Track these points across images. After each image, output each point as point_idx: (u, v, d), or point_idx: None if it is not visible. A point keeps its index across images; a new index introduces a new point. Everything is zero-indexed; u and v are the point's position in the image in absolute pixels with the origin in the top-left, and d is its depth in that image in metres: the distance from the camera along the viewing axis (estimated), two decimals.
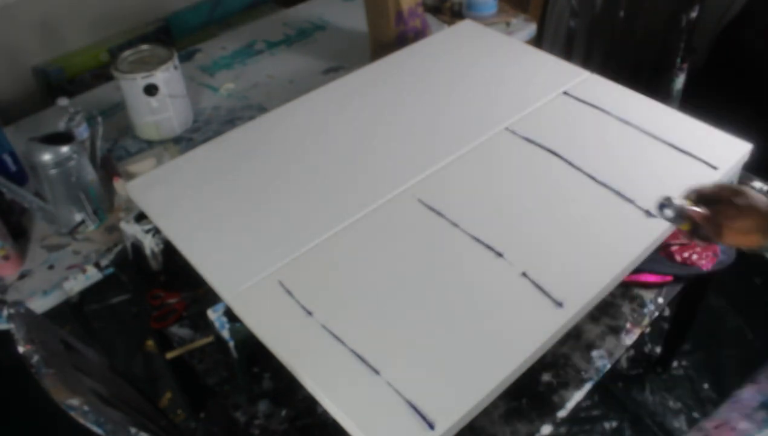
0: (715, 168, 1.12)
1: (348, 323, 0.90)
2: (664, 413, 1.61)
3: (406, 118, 1.27)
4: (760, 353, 1.73)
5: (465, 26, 1.55)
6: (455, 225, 1.04)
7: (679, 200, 0.86)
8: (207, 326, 1.04)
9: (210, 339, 1.06)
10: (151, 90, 1.39)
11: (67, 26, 1.95)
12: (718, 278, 1.34)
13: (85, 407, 0.70)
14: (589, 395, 1.54)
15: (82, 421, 0.69)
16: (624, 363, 1.72)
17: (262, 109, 1.52)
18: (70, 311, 1.29)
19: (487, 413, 0.95)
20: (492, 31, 1.54)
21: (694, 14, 1.89)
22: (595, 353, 1.04)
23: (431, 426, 0.78)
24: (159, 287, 1.16)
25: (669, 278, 1.14)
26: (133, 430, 0.73)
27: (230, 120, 1.52)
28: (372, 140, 1.22)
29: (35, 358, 0.73)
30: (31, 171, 1.21)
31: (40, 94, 1.93)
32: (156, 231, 1.12)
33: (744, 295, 1.87)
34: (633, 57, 2.11)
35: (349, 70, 1.45)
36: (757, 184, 1.32)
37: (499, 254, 0.99)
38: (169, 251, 1.13)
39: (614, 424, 1.59)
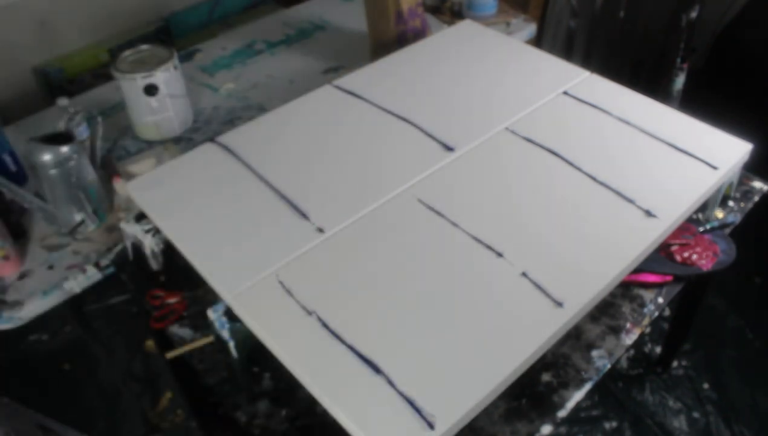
0: (715, 168, 1.12)
1: (348, 322, 0.90)
2: (664, 413, 1.61)
3: (406, 118, 1.27)
4: (760, 353, 1.73)
5: (465, 26, 1.55)
6: (455, 225, 1.04)
7: None
8: (207, 326, 1.04)
9: (210, 339, 1.06)
10: (151, 90, 1.39)
11: (67, 26, 1.95)
12: (718, 278, 1.34)
13: None
14: (589, 395, 1.55)
15: None
16: (624, 363, 1.72)
17: (262, 110, 1.52)
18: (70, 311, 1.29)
19: (487, 413, 0.95)
20: (492, 31, 1.54)
21: (694, 14, 1.90)
22: (595, 353, 1.04)
23: (431, 426, 0.78)
24: (159, 287, 1.16)
25: (669, 278, 1.14)
26: None
27: (230, 120, 1.52)
28: (371, 140, 1.22)
29: None
30: (31, 171, 1.21)
31: (40, 94, 1.93)
32: (156, 231, 1.12)
33: (744, 295, 1.87)
34: (633, 57, 2.12)
35: (349, 70, 1.45)
36: (757, 184, 1.32)
37: (499, 254, 0.99)
38: (169, 251, 1.13)
39: (614, 424, 1.59)
